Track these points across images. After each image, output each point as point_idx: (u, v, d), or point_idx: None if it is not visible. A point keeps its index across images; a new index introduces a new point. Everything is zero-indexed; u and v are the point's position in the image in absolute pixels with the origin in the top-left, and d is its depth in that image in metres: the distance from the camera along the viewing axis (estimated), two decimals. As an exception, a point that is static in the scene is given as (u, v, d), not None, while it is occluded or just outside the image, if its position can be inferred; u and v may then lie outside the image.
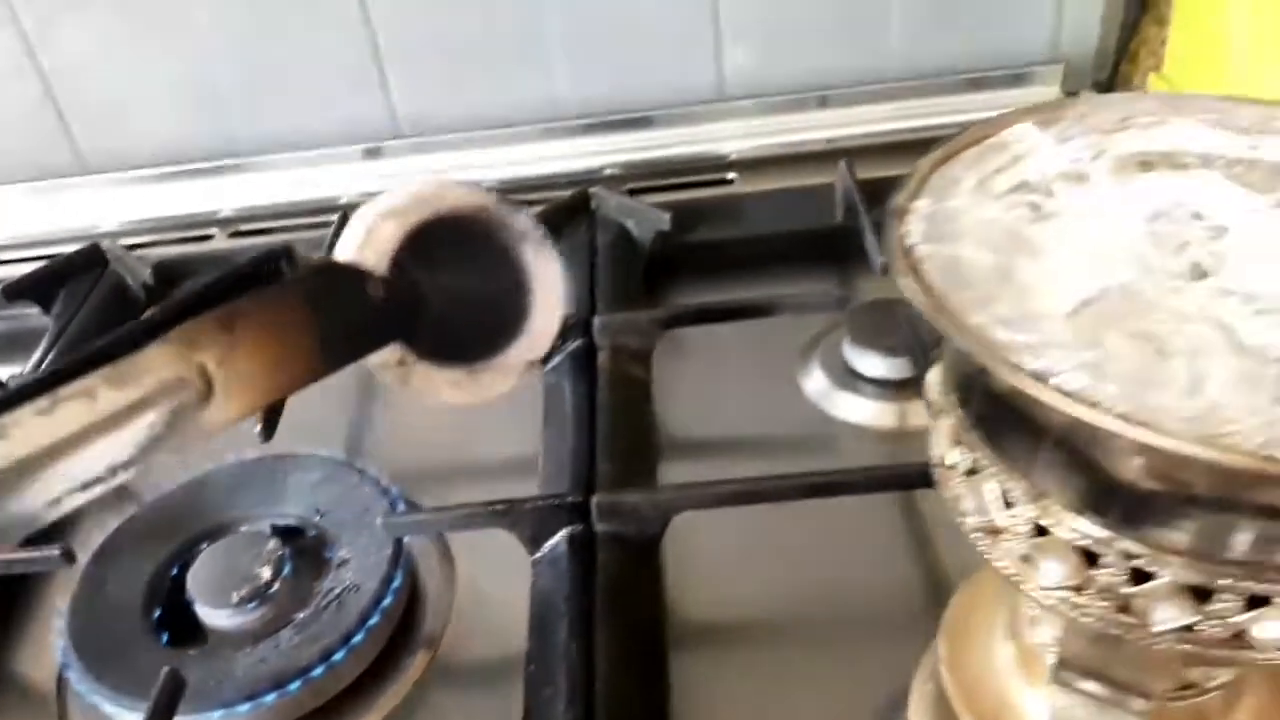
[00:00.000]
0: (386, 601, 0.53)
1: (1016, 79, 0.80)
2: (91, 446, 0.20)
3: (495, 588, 0.57)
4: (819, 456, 0.60)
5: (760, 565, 0.56)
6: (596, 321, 0.65)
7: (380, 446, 0.67)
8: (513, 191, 0.80)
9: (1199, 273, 0.30)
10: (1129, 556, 0.28)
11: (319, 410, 0.69)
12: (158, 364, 0.21)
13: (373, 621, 0.52)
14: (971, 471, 0.31)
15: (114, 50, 0.78)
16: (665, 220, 0.73)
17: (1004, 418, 0.29)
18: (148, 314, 0.22)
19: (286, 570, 0.54)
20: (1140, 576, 0.28)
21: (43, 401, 0.19)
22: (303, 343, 0.23)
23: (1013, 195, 0.33)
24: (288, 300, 0.23)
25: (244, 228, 0.81)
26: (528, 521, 0.54)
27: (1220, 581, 0.27)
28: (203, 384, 0.21)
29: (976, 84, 0.80)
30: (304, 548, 0.57)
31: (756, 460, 0.62)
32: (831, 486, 0.52)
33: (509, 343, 0.26)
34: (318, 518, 0.58)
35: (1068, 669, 0.31)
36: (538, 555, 0.54)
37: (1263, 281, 0.30)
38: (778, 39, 0.80)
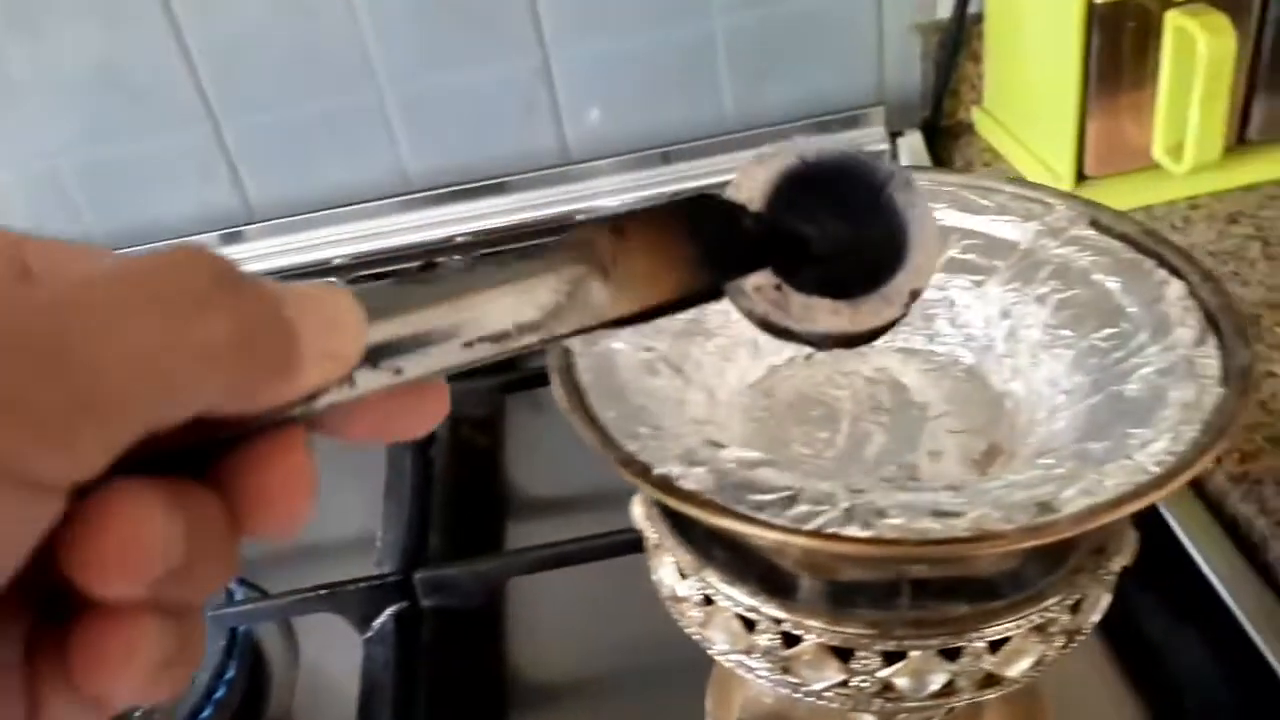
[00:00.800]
0: (219, 694, 0.54)
1: (849, 121, 0.82)
2: (501, 300, 0.22)
3: (337, 667, 0.58)
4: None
5: (604, 621, 0.57)
6: (433, 393, 0.67)
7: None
8: (367, 264, 0.82)
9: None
10: (778, 622, 0.30)
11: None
12: (560, 251, 0.23)
13: (205, 714, 0.53)
14: (657, 545, 0.33)
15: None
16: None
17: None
18: None
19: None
20: (791, 640, 0.30)
21: (465, 259, 0.21)
22: (685, 254, 0.24)
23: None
24: (671, 217, 0.25)
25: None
26: (355, 603, 0.56)
27: (857, 642, 0.29)
28: (599, 269, 0.23)
29: (814, 128, 0.83)
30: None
31: (610, 515, 0.63)
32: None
33: (890, 277, 0.26)
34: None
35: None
36: (368, 635, 0.56)
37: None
38: (615, 100, 0.82)
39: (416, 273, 0.81)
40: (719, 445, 0.28)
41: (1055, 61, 0.70)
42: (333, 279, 0.81)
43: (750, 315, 0.26)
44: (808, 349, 0.31)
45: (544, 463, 0.68)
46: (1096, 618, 0.31)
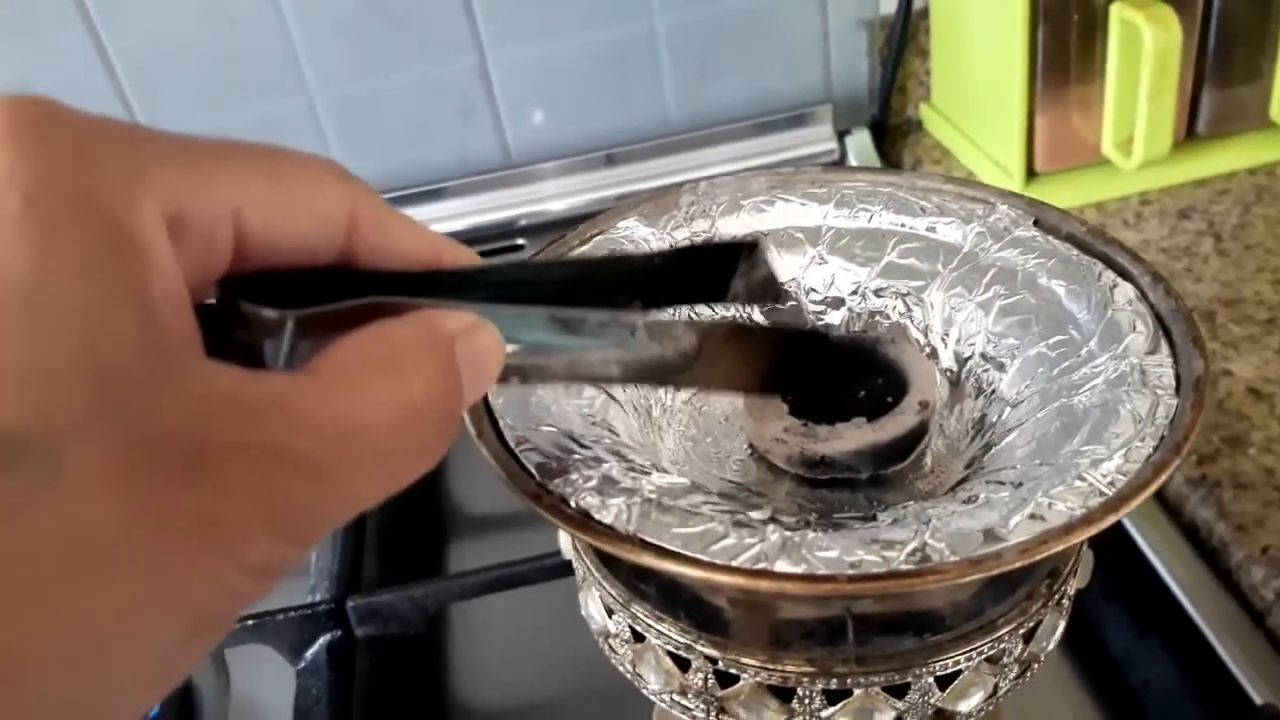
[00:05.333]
0: (143, 732, 0.51)
1: (796, 120, 0.80)
2: (609, 353, 0.24)
3: (271, 699, 0.55)
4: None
5: (551, 647, 0.55)
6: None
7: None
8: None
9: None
10: (712, 660, 0.28)
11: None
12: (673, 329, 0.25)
13: (127, 755, 0.50)
14: (583, 579, 0.31)
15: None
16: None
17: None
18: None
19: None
20: (727, 679, 0.28)
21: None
22: (759, 368, 0.28)
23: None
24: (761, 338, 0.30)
25: None
26: (285, 633, 0.53)
27: (797, 680, 0.27)
28: (689, 353, 0.25)
29: (761, 128, 0.81)
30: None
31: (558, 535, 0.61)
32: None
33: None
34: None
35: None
36: (300, 666, 0.53)
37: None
38: (556, 103, 0.80)
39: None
40: (643, 471, 0.26)
41: (1001, 56, 0.68)
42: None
43: (788, 460, 0.29)
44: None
45: (488, 480, 0.66)
46: (1051, 645, 0.29)
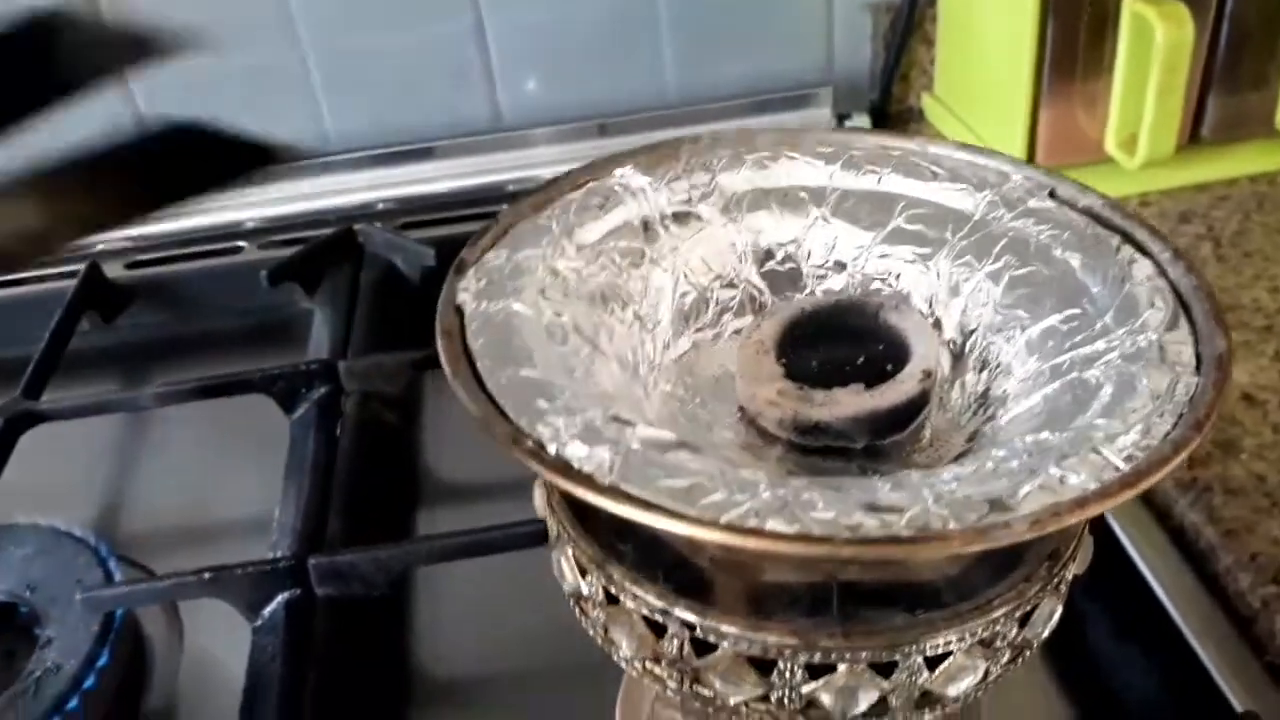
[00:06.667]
0: (88, 683, 0.49)
1: (795, 100, 0.79)
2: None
3: (225, 654, 0.53)
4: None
5: (518, 615, 0.53)
6: (342, 366, 0.62)
7: (122, 512, 0.63)
8: (283, 229, 0.78)
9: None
10: (689, 627, 0.26)
11: (63, 475, 0.65)
12: None
13: (71, 705, 0.48)
14: (557, 536, 0.29)
15: None
16: (430, 256, 0.70)
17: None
18: None
19: (-13, 653, 0.50)
20: (704, 648, 0.26)
21: None
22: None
23: (609, 241, 0.31)
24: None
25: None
26: (243, 588, 0.51)
27: (778, 652, 0.25)
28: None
29: (759, 106, 0.79)
30: (13, 627, 0.53)
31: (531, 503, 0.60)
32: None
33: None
34: (28, 593, 0.54)
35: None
36: (257, 623, 0.51)
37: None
38: (552, 68, 0.78)
39: None
40: (627, 423, 0.24)
41: (1009, 47, 0.67)
42: (241, 243, 0.76)
43: (781, 424, 0.28)
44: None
45: (463, 446, 0.64)
46: (1046, 632, 0.28)
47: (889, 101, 0.79)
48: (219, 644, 0.54)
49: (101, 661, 0.50)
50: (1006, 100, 0.69)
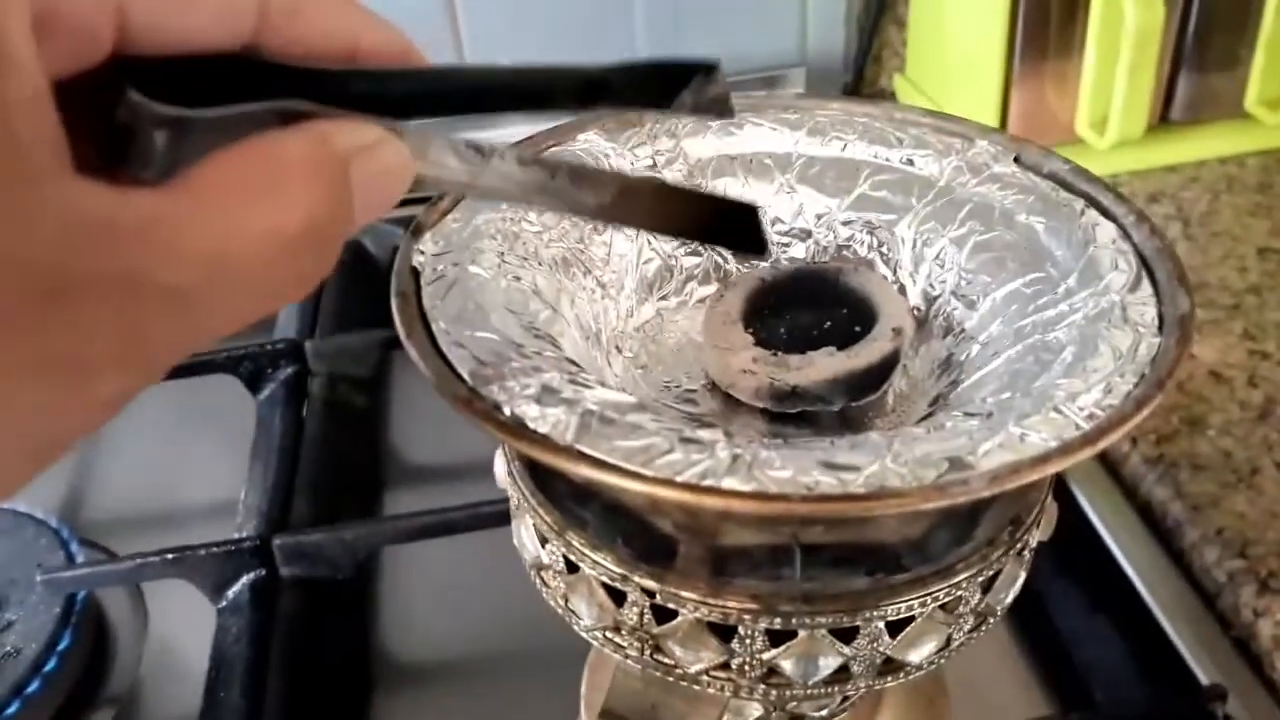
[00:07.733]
0: (50, 666, 0.49)
1: (768, 82, 0.79)
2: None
3: (190, 636, 0.53)
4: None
5: (485, 596, 0.53)
6: (309, 346, 0.62)
7: (86, 494, 0.62)
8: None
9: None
10: (649, 594, 0.26)
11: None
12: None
13: (32, 689, 0.48)
14: (517, 505, 0.29)
15: None
16: (398, 236, 0.69)
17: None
18: None
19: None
20: (664, 615, 0.26)
21: None
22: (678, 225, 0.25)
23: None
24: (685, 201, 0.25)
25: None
26: (207, 569, 0.50)
27: (738, 618, 0.25)
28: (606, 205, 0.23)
29: (732, 87, 0.79)
30: (-25, 610, 0.52)
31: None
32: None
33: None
34: (-11, 576, 0.53)
35: (611, 715, 0.28)
36: (221, 604, 0.51)
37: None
38: (524, 49, 0.77)
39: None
40: (585, 385, 0.24)
41: (981, 27, 0.67)
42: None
43: (757, 393, 0.27)
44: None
45: (430, 428, 0.64)
46: (1010, 598, 0.27)
47: (861, 83, 0.79)
48: (183, 626, 0.53)
49: (63, 644, 0.50)
50: (978, 81, 0.69)
